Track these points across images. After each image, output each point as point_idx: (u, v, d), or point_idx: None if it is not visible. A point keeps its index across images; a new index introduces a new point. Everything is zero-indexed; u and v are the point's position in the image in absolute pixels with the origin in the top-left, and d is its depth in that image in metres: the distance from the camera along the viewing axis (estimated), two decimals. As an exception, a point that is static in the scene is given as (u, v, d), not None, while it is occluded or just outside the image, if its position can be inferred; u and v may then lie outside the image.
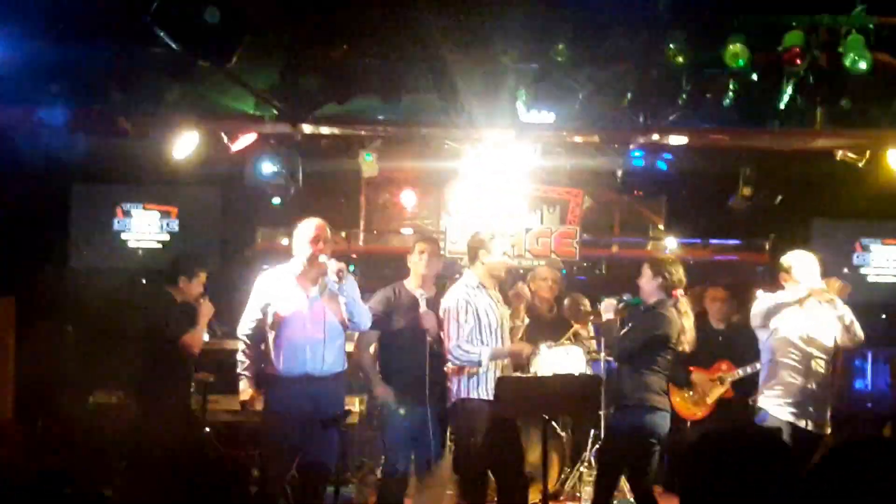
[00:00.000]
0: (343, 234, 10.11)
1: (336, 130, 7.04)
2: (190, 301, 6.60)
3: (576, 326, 7.56)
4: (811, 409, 6.00)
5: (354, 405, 7.46)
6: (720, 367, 7.52)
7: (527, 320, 6.53)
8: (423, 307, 6.12)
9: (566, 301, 7.74)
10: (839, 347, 6.11)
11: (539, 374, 6.64)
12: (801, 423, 5.95)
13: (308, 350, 5.84)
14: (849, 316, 5.99)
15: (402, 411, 6.05)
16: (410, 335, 6.15)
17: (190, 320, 6.49)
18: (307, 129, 6.78)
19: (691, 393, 7.53)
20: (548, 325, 7.55)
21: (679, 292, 6.11)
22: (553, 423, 7.21)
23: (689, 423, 7.49)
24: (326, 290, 5.90)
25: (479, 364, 5.97)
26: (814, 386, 6.02)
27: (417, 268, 6.37)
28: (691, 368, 7.48)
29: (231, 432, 7.40)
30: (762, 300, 6.16)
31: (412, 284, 6.37)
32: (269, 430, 5.85)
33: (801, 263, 6.06)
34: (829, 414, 6.06)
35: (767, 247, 9.66)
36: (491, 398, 5.93)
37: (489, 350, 6.02)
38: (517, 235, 9.00)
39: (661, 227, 10.13)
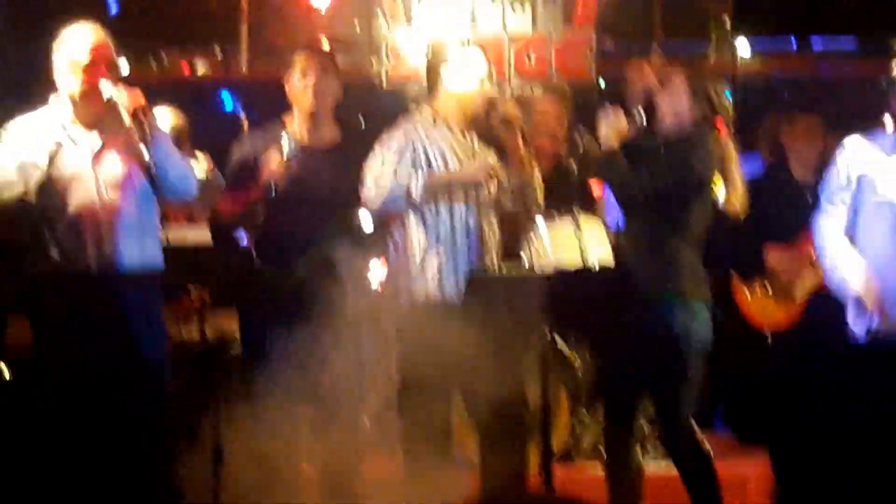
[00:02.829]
0: (217, 52, 10.05)
1: None
2: None
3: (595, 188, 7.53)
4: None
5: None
6: (811, 241, 7.47)
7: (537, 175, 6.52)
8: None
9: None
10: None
11: (536, 267, 6.63)
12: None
13: (98, 231, 5.82)
14: None
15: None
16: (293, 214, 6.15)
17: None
18: None
19: (769, 286, 7.52)
20: (552, 188, 7.53)
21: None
22: (559, 340, 7.21)
23: (769, 337, 7.51)
24: (125, 134, 5.85)
25: (409, 199, 6.02)
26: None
27: (300, 97, 6.30)
28: (767, 246, 7.44)
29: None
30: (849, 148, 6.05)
31: (296, 125, 6.32)
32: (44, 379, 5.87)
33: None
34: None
35: (896, 49, 9.56)
36: (454, 301, 6.06)
37: (422, 178, 6.08)
38: (494, 47, 8.87)
39: (728, 21, 10.03)
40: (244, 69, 9.97)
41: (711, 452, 6.27)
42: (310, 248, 6.09)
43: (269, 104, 9.51)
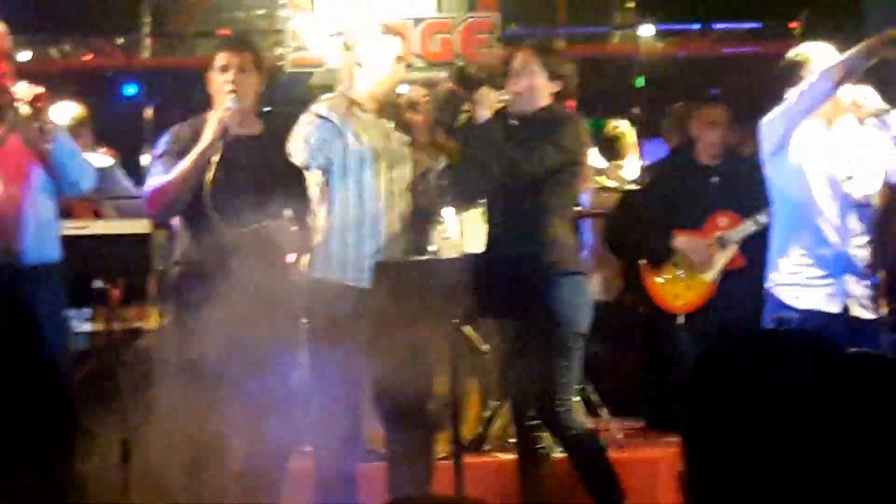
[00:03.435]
0: (119, 40, 9.95)
1: None
2: None
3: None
4: (851, 286, 6.09)
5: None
6: (717, 223, 7.53)
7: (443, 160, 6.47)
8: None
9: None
10: (894, 191, 6.19)
11: (443, 256, 6.62)
12: (834, 308, 6.04)
13: None
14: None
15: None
16: None
17: None
18: None
19: (679, 270, 7.54)
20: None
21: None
22: (467, 330, 7.21)
23: (680, 319, 7.55)
24: (22, 126, 5.78)
25: (329, 124, 6.01)
26: (854, 251, 6.10)
27: (221, 94, 6.26)
28: (675, 232, 7.49)
29: None
30: (772, 113, 6.18)
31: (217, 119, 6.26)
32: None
33: (824, 57, 6.05)
34: (881, 291, 6.17)
35: (797, 31, 9.65)
36: (359, 285, 6.00)
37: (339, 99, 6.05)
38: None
39: (632, 5, 10.06)
40: (147, 56, 9.85)
41: (596, 435, 6.33)
42: (230, 237, 6.02)
43: (172, 91, 9.55)
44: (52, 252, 5.91)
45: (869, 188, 6.09)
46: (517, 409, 6.31)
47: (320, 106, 6.10)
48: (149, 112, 9.22)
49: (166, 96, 9.47)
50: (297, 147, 5.99)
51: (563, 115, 6.13)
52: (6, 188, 5.75)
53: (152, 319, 7.16)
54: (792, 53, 6.17)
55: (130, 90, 10.46)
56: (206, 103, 6.43)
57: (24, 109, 5.62)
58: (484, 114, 6.00)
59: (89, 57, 10.66)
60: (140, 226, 6.83)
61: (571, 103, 6.32)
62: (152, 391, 6.58)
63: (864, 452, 2.20)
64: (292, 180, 6.14)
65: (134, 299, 7.37)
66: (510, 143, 5.94)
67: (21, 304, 5.81)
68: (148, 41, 9.82)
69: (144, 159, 9.07)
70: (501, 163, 5.95)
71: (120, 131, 9.03)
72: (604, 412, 7.41)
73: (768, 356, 2.34)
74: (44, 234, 5.88)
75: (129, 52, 9.74)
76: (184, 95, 9.19)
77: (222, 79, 6.16)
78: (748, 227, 7.31)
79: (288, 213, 6.22)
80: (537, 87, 6.11)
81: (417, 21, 9.35)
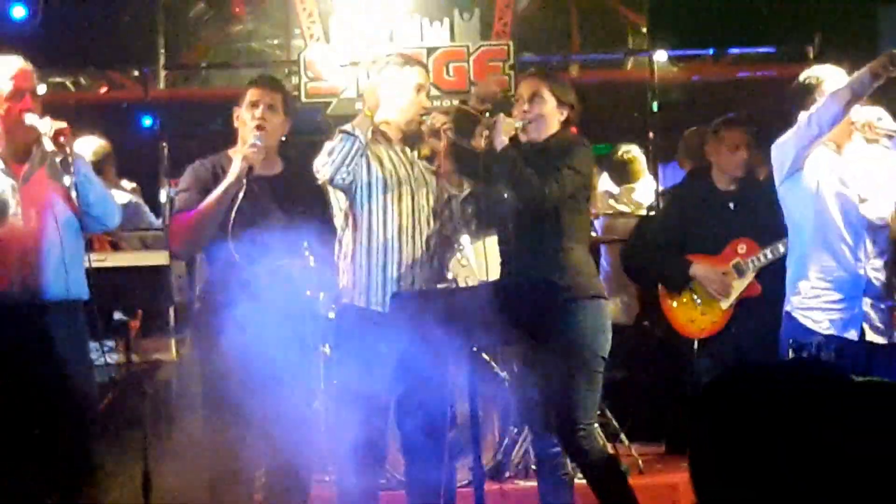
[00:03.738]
0: (135, 72, 9.98)
1: None
2: None
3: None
4: (868, 309, 6.08)
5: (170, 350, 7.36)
6: (736, 250, 7.51)
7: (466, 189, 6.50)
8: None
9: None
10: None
11: (462, 284, 6.63)
12: (851, 333, 6.03)
13: (22, 259, 5.76)
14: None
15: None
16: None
17: None
18: None
19: (695, 296, 7.53)
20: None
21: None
22: (486, 356, 7.21)
23: (696, 344, 7.53)
24: (48, 162, 5.79)
25: (353, 139, 6.02)
26: (871, 273, 6.09)
27: (246, 131, 6.25)
28: (690, 258, 7.47)
29: None
30: (783, 137, 6.17)
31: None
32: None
33: (835, 80, 6.06)
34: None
35: (812, 53, 9.65)
36: (382, 310, 6.04)
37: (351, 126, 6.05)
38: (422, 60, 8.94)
39: (645, 31, 10.07)
40: (162, 88, 9.87)
41: (616, 460, 6.32)
42: (251, 274, 6.01)
43: (188, 123, 9.58)
44: (78, 289, 5.89)
45: (884, 210, 6.08)
46: (538, 436, 6.31)
47: (345, 125, 6.14)
48: (165, 143, 9.27)
49: (182, 128, 9.51)
50: (323, 161, 6.02)
51: (574, 141, 6.18)
52: (32, 223, 5.76)
53: (172, 352, 7.17)
54: (803, 76, 6.18)
55: (146, 122, 10.49)
56: (221, 134, 6.46)
57: (49, 145, 5.63)
58: (502, 140, 6.03)
59: (105, 89, 10.75)
60: (159, 258, 6.85)
61: (575, 130, 6.35)
62: (173, 423, 6.59)
63: (874, 481, 2.20)
64: (314, 219, 6.15)
65: (153, 331, 7.38)
66: (529, 170, 5.96)
67: (42, 340, 5.81)
68: (163, 73, 9.82)
69: (161, 191, 9.13)
70: (523, 189, 5.97)
71: (137, 163, 9.06)
72: (623, 437, 7.40)
73: (778, 385, 2.34)
74: (69, 271, 5.86)
75: (144, 84, 9.70)
76: (200, 126, 9.27)
77: (251, 115, 6.17)
78: (767, 255, 7.29)
79: (308, 251, 6.22)
80: (547, 115, 6.15)
81: (431, 50, 9.35)
